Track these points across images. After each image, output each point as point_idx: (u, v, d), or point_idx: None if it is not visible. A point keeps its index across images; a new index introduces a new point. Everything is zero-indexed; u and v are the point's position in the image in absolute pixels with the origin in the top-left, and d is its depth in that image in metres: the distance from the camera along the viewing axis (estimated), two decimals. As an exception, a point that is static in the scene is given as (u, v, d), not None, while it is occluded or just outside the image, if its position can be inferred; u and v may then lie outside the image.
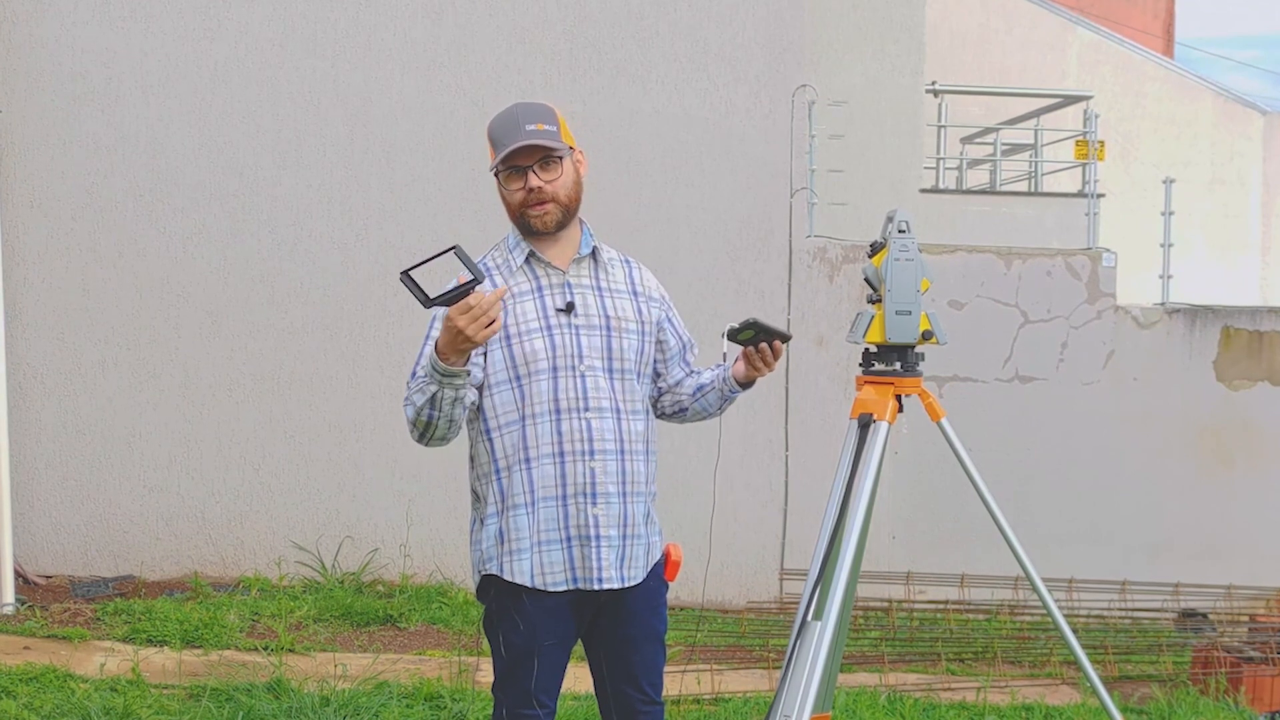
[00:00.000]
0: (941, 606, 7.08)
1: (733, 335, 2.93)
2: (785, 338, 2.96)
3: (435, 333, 2.89)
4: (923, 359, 3.35)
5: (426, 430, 2.84)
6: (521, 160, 2.90)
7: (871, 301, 3.34)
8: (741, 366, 3.04)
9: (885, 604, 6.98)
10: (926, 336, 3.28)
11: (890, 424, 3.25)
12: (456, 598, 6.61)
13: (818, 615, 3.15)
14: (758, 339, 2.94)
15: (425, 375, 2.79)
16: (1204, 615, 7.14)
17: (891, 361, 3.33)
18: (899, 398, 3.30)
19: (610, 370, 2.96)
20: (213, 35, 6.72)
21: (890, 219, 3.31)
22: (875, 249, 3.31)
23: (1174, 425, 7.66)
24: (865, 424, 3.24)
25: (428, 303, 2.60)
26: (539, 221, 2.94)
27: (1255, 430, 7.71)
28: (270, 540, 6.82)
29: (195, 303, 6.74)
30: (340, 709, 4.66)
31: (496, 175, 2.96)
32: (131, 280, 6.69)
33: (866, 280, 3.36)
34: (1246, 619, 7.02)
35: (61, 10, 6.60)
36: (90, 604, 6.17)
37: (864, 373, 3.36)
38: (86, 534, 6.70)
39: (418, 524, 6.86)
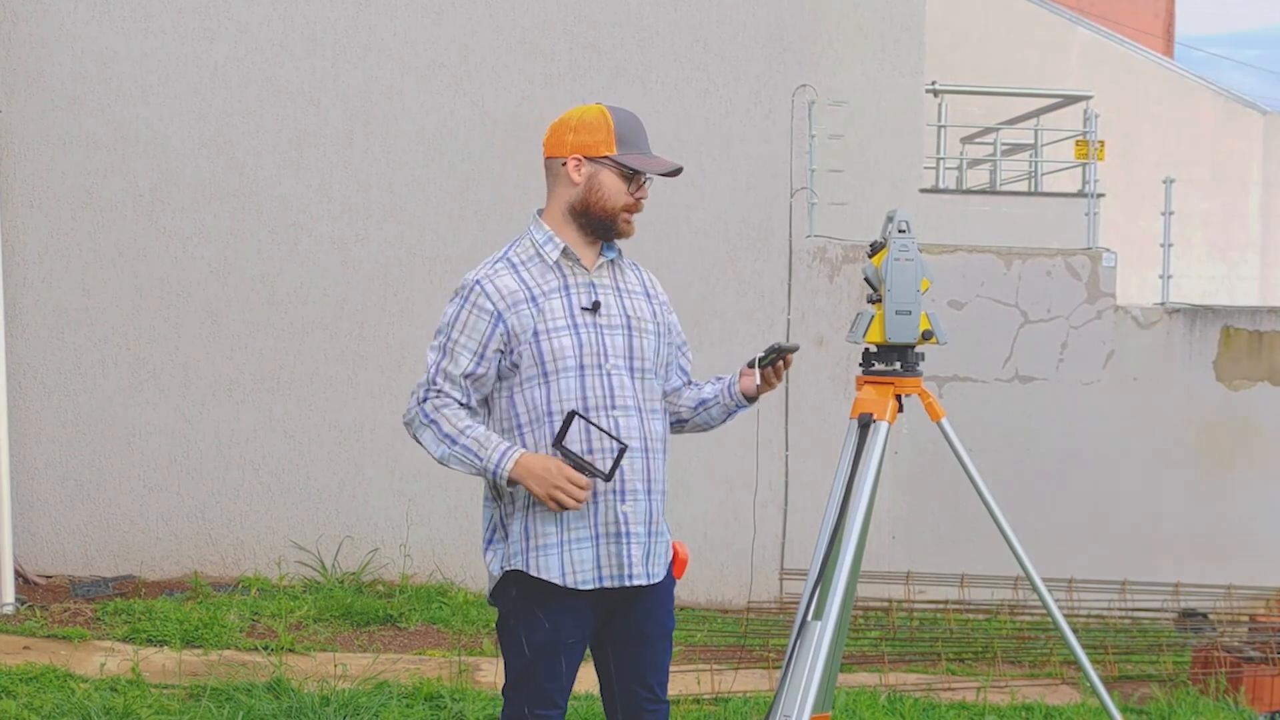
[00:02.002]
0: (941, 606, 7.08)
1: (760, 364, 3.02)
2: (795, 349, 3.04)
3: (453, 342, 2.94)
4: (923, 359, 3.34)
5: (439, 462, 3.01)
6: (651, 169, 2.98)
7: (871, 301, 3.34)
8: (751, 383, 3.06)
9: (885, 604, 6.97)
10: (926, 336, 3.28)
11: (890, 424, 3.25)
12: (456, 598, 6.61)
13: (818, 615, 3.15)
14: (776, 359, 3.01)
15: (479, 468, 2.91)
16: (1204, 615, 7.14)
17: (891, 361, 3.32)
18: (899, 398, 3.30)
19: (631, 369, 2.98)
20: (213, 35, 6.72)
21: (890, 219, 3.31)
22: (875, 249, 3.31)
23: (1174, 425, 7.65)
24: (865, 424, 3.24)
25: (559, 442, 2.88)
26: (629, 227, 3.01)
27: (1255, 430, 7.71)
28: (270, 540, 6.81)
29: (195, 303, 6.74)
30: (340, 709, 4.66)
31: (597, 163, 2.96)
32: (131, 280, 6.69)
33: (866, 280, 3.36)
34: (1246, 619, 7.01)
35: (61, 10, 6.60)
36: (90, 604, 6.17)
37: (864, 373, 3.36)
38: (86, 534, 6.70)
39: (418, 524, 6.86)
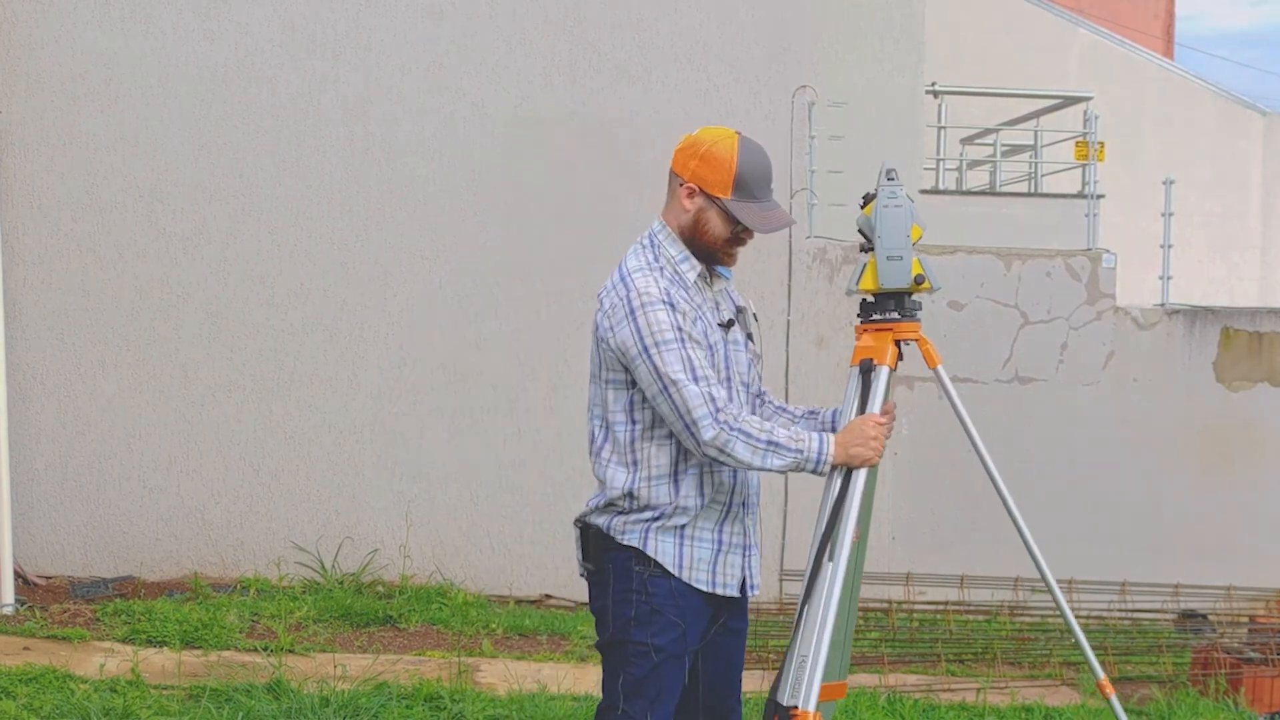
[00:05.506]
0: (941, 607, 7.08)
1: None
2: None
3: (691, 340, 2.84)
4: (920, 307, 3.31)
5: (746, 465, 2.88)
6: (759, 227, 2.98)
7: (864, 250, 3.31)
8: None
9: (885, 605, 6.97)
10: (919, 281, 3.23)
11: (892, 369, 3.20)
12: (456, 598, 6.61)
13: (831, 557, 3.07)
14: None
15: (798, 462, 2.87)
16: (1204, 616, 7.13)
17: (888, 310, 3.27)
18: (899, 343, 3.26)
19: (747, 387, 3.06)
20: (213, 36, 6.72)
21: (881, 170, 3.28)
22: (867, 200, 3.29)
23: (1174, 426, 7.65)
24: (867, 370, 3.19)
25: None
26: (731, 260, 3.05)
27: (1255, 430, 7.70)
28: (270, 541, 6.81)
29: (195, 303, 6.74)
30: (340, 709, 4.65)
31: (710, 200, 2.92)
32: (131, 281, 6.69)
33: (860, 232, 3.32)
34: (1246, 620, 7.01)
35: (61, 10, 6.60)
36: (90, 604, 6.17)
37: (862, 321, 3.31)
38: (86, 534, 6.70)
39: (417, 525, 6.86)
